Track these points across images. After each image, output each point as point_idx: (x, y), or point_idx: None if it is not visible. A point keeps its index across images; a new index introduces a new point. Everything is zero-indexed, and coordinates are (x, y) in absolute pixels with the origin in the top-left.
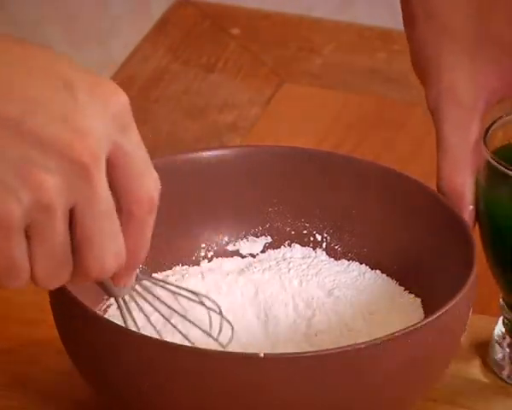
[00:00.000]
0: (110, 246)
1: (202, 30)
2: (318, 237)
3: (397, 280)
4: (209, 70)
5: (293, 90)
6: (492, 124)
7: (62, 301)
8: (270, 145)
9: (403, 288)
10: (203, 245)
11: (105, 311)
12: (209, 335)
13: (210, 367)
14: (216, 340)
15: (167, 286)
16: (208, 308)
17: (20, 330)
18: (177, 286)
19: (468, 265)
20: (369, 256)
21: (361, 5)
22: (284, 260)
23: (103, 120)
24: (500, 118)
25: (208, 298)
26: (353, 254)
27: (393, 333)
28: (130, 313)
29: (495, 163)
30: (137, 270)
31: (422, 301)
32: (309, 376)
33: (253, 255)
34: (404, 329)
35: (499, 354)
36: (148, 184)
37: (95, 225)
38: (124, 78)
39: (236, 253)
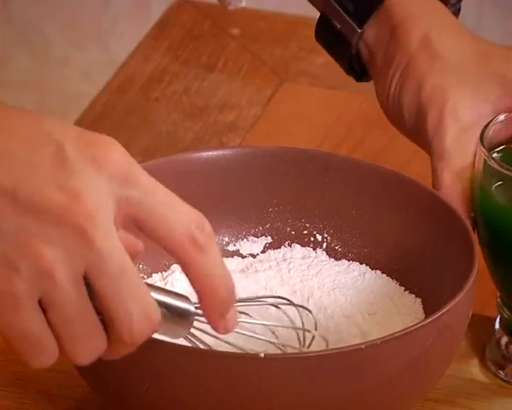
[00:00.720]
0: (135, 305)
1: (202, 30)
2: (319, 237)
3: (397, 280)
4: (209, 70)
5: (293, 90)
6: (489, 124)
7: None
8: (271, 145)
9: (403, 288)
10: None
11: None
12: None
13: (210, 367)
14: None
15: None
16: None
17: None
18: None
19: (468, 265)
20: (370, 256)
21: None
22: (284, 260)
23: (99, 180)
24: (496, 118)
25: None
26: (353, 254)
27: (393, 333)
28: (199, 340)
29: (492, 163)
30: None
31: (423, 301)
32: (309, 376)
33: (253, 255)
34: (404, 329)
35: (497, 353)
36: (177, 224)
37: (109, 286)
38: (124, 78)
39: (237, 253)
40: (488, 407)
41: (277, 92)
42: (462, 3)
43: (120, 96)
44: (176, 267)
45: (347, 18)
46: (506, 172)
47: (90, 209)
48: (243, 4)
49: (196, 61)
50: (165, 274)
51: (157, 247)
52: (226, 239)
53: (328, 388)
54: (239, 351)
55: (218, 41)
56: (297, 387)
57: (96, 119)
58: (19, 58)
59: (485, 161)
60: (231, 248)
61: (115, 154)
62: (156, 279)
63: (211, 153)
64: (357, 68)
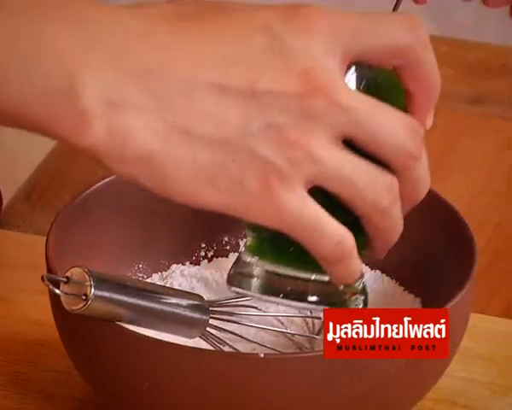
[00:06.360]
0: (398, 121)
1: None
2: None
3: (397, 280)
4: None
5: None
6: None
7: None
8: None
9: (402, 288)
10: (203, 245)
11: None
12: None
13: (210, 367)
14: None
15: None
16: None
17: (20, 330)
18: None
19: (468, 265)
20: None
21: (361, 5)
22: None
23: (315, 45)
24: None
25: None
26: None
27: None
28: (214, 337)
29: None
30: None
31: (422, 301)
32: (309, 376)
33: None
34: None
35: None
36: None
37: (370, 126)
38: None
39: (237, 253)
40: (488, 407)
41: None
42: (463, 3)
43: None
44: (176, 267)
45: None
46: None
47: (320, 78)
48: None
49: None
50: (164, 274)
51: (158, 247)
52: (226, 239)
53: (328, 388)
54: (251, 344)
55: None
56: (297, 387)
57: None
58: None
59: None
60: (231, 247)
61: (322, 16)
62: (156, 279)
63: None
64: None
